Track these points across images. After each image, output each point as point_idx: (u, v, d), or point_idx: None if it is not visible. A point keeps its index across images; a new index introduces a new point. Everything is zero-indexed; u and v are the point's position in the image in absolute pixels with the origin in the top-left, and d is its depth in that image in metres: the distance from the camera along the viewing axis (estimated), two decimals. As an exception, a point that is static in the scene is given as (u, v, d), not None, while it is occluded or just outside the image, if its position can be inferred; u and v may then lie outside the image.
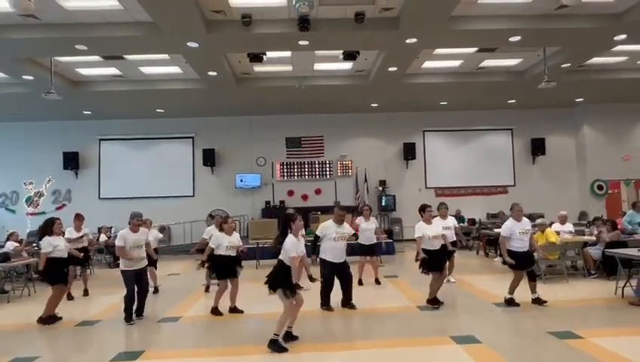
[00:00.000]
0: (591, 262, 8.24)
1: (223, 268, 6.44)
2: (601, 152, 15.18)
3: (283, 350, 4.72)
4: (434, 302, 6.38)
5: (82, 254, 7.42)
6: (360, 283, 8.08)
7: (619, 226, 9.01)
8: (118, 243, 6.06)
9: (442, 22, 8.30)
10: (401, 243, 14.31)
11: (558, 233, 8.69)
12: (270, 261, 5.27)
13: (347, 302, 6.54)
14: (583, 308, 6.32)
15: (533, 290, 6.42)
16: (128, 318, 6.04)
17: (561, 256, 8.13)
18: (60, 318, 6.26)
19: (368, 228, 8.12)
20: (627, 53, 10.81)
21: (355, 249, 8.37)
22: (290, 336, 5.00)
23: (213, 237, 6.61)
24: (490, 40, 9.43)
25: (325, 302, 6.46)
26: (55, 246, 6.26)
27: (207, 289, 7.89)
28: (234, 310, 6.44)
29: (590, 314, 6.04)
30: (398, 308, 6.51)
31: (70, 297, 7.69)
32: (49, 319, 6.16)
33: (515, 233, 6.29)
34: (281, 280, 4.79)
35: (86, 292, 8.01)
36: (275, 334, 4.78)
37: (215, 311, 6.36)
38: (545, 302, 6.30)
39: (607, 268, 7.78)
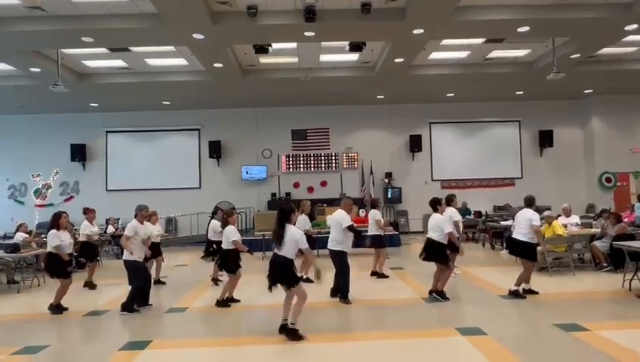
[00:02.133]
0: (601, 255, 8.16)
1: (235, 262, 6.46)
2: (609, 144, 15.02)
3: (301, 338, 4.77)
4: (443, 295, 6.37)
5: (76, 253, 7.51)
6: (374, 274, 8.14)
7: (625, 219, 8.92)
8: (128, 233, 6.06)
9: (449, 12, 8.21)
10: (407, 235, 14.33)
11: (565, 226, 8.62)
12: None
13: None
14: (589, 300, 6.30)
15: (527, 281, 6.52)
16: (131, 308, 6.10)
17: (567, 248, 8.09)
18: (66, 309, 6.32)
19: (377, 220, 8.22)
20: (638, 43, 10.64)
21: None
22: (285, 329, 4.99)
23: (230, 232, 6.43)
24: (498, 30, 9.32)
25: (346, 294, 6.40)
26: (62, 240, 6.27)
27: (215, 283, 7.85)
28: (232, 300, 6.51)
29: (596, 307, 6.01)
30: (403, 300, 6.52)
31: (93, 286, 7.84)
32: (57, 307, 6.25)
33: None
34: (290, 275, 4.80)
35: (90, 285, 7.98)
36: (291, 324, 4.83)
37: (223, 303, 6.37)
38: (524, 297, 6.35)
39: (615, 261, 7.73)
